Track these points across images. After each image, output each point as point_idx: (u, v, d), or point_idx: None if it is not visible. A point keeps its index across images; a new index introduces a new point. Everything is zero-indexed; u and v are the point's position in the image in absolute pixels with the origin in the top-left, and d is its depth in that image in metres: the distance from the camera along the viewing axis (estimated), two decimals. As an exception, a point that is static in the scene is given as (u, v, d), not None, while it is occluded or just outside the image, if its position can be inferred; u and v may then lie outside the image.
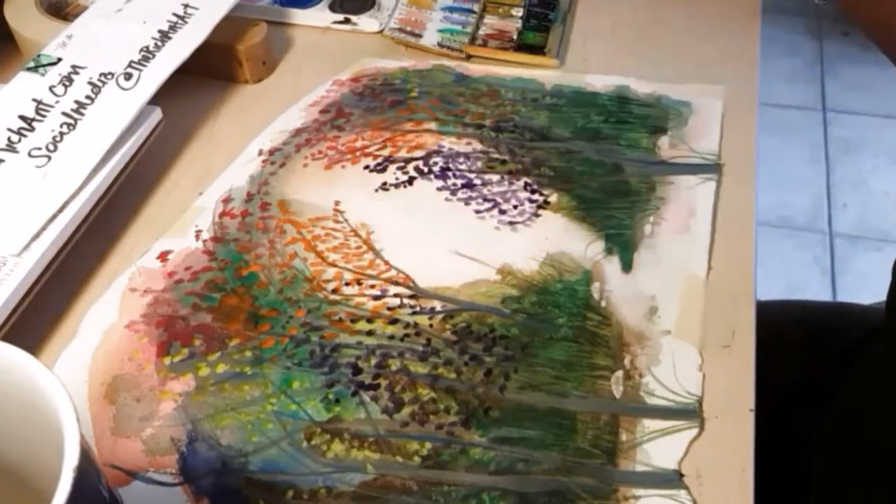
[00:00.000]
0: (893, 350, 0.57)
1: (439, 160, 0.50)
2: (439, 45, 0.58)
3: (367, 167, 0.50)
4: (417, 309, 0.43)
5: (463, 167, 0.50)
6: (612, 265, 0.45)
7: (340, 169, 0.50)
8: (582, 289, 0.43)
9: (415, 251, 0.45)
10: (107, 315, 0.43)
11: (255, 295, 0.43)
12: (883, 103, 1.71)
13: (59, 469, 0.22)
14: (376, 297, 0.43)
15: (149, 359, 0.41)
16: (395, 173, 0.50)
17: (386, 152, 0.51)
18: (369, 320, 0.42)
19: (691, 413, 0.38)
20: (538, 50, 0.57)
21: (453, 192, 0.48)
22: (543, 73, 0.56)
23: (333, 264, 0.45)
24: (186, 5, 0.53)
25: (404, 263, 0.45)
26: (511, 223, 0.47)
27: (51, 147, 0.45)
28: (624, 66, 0.55)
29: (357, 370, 0.40)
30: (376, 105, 0.54)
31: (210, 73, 0.55)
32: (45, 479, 0.26)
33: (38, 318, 0.42)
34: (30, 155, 0.44)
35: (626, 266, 0.44)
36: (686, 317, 0.42)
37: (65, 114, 0.46)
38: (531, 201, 0.48)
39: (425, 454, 0.37)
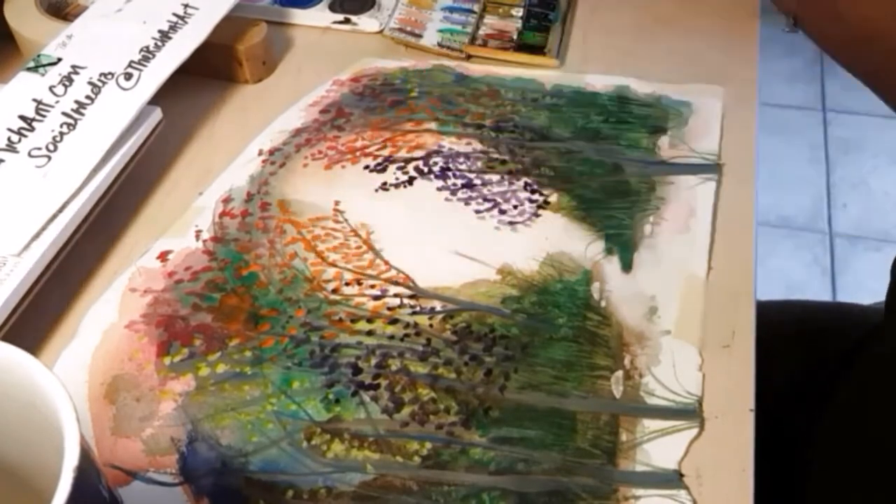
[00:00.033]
0: (893, 350, 0.57)
1: (439, 160, 0.50)
2: (439, 45, 0.58)
3: (367, 167, 0.50)
4: (417, 309, 0.43)
5: (463, 167, 0.50)
6: (612, 265, 0.45)
7: (340, 169, 0.50)
8: (582, 289, 0.43)
9: (415, 251, 0.45)
10: (107, 315, 0.43)
11: (255, 295, 0.43)
12: (883, 103, 1.70)
13: (59, 469, 0.22)
14: (376, 297, 0.43)
15: (149, 359, 0.41)
16: (395, 173, 0.50)
17: (386, 152, 0.51)
18: (369, 320, 0.42)
19: (691, 413, 0.38)
20: (538, 50, 0.57)
21: (453, 192, 0.48)
22: (543, 73, 0.56)
23: (333, 264, 0.45)
24: (186, 5, 0.53)
25: (404, 263, 0.45)
26: (511, 223, 0.47)
27: (51, 147, 0.45)
28: (624, 66, 0.55)
29: (357, 370, 0.40)
30: (376, 105, 0.54)
31: (210, 73, 0.55)
32: (45, 479, 0.26)
33: (38, 318, 0.42)
34: (30, 155, 0.44)
35: (626, 266, 0.44)
36: (686, 317, 0.42)
37: (65, 114, 0.46)
38: (531, 201, 0.48)
39: (425, 454, 0.37)
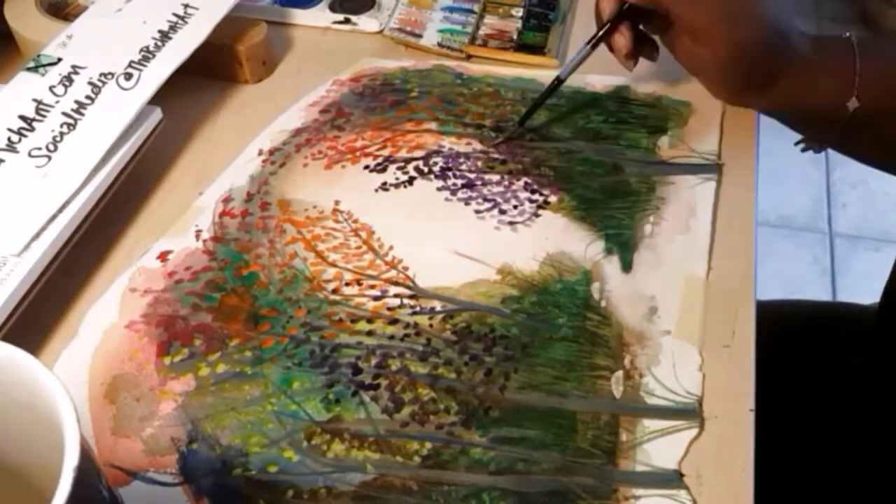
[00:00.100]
0: (888, 342, 0.57)
1: (439, 160, 0.50)
2: (439, 45, 0.58)
3: (367, 167, 0.50)
4: (417, 309, 0.43)
5: (463, 167, 0.50)
6: (612, 265, 0.45)
7: (340, 169, 0.50)
8: (582, 289, 0.43)
9: (415, 251, 0.45)
10: (107, 315, 0.43)
11: (255, 295, 0.43)
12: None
13: (59, 469, 0.22)
14: (376, 298, 0.43)
15: (149, 359, 0.41)
16: (395, 173, 0.50)
17: (386, 152, 0.51)
18: (369, 320, 0.42)
19: (691, 413, 0.38)
20: (538, 50, 0.57)
21: (453, 192, 0.48)
22: (543, 73, 0.56)
23: (333, 264, 0.45)
24: (186, 5, 0.53)
25: (404, 263, 0.45)
26: (511, 223, 0.47)
27: (51, 147, 0.45)
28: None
29: (357, 370, 0.40)
30: (376, 105, 0.54)
31: (210, 73, 0.55)
32: (45, 478, 0.26)
33: (38, 318, 0.42)
34: (30, 155, 0.44)
35: (626, 266, 0.44)
36: (686, 317, 0.42)
37: (65, 114, 0.46)
38: (531, 201, 0.48)
39: (425, 454, 0.37)
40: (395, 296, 0.43)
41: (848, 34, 0.47)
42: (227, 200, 0.48)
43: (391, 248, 0.46)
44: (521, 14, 0.60)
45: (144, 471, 0.37)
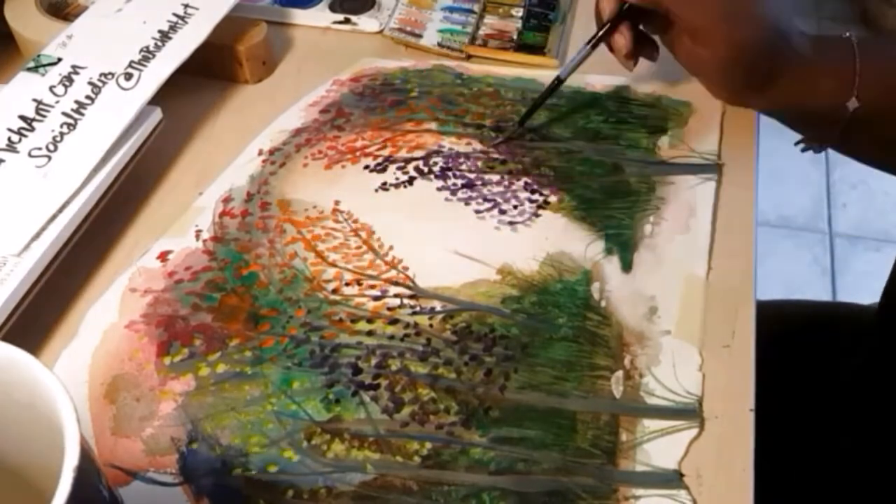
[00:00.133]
0: (888, 342, 0.57)
1: (439, 160, 0.50)
2: (439, 45, 0.58)
3: (367, 167, 0.50)
4: (417, 309, 0.43)
5: (463, 167, 0.50)
6: (612, 265, 0.45)
7: (340, 169, 0.50)
8: (582, 289, 0.43)
9: (415, 251, 0.45)
10: (107, 315, 0.43)
11: (255, 295, 0.43)
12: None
13: (59, 469, 0.22)
14: (376, 298, 0.43)
15: (149, 359, 0.41)
16: (395, 173, 0.50)
17: (386, 152, 0.51)
18: (369, 320, 0.42)
19: (691, 413, 0.38)
20: (538, 50, 0.57)
21: (453, 192, 0.48)
22: (543, 73, 0.56)
23: (333, 264, 0.45)
24: (186, 5, 0.53)
25: (404, 263, 0.45)
26: (511, 223, 0.47)
27: (51, 147, 0.45)
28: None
29: (357, 370, 0.40)
30: (376, 105, 0.54)
31: (210, 73, 0.55)
32: (45, 478, 0.26)
33: (38, 318, 0.42)
34: (30, 155, 0.44)
35: (626, 266, 0.44)
36: (686, 317, 0.42)
37: (65, 114, 0.46)
38: (531, 201, 0.48)
39: (425, 454, 0.37)
40: (395, 296, 0.43)
41: (848, 34, 0.47)
42: (227, 200, 0.48)
43: (391, 248, 0.46)
44: (521, 14, 0.60)
45: (144, 471, 0.37)
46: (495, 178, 0.49)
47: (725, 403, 0.39)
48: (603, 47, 0.49)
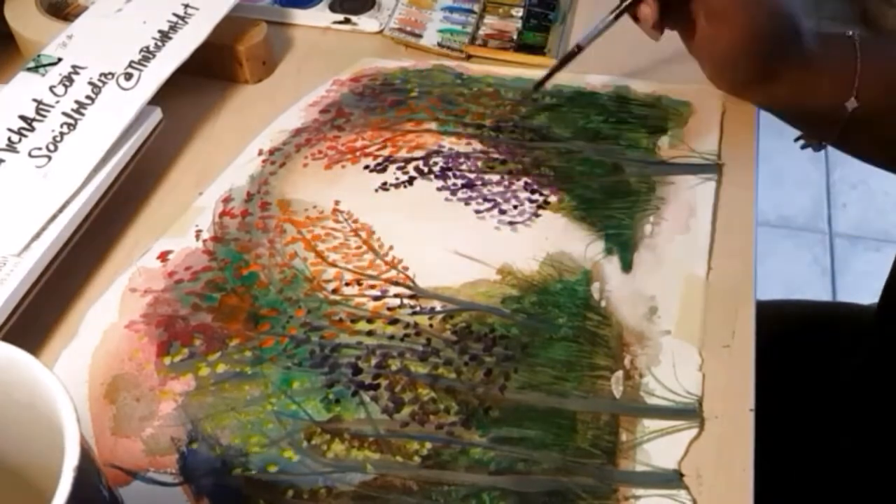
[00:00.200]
0: (888, 342, 0.57)
1: (439, 160, 0.50)
2: (439, 45, 0.58)
3: (367, 167, 0.50)
4: (417, 309, 0.43)
5: (463, 167, 0.50)
6: (612, 265, 0.45)
7: (340, 169, 0.50)
8: (582, 289, 0.43)
9: (415, 251, 0.45)
10: (107, 315, 0.43)
11: (255, 295, 0.43)
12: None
13: (59, 469, 0.22)
14: (376, 298, 0.43)
15: (149, 359, 0.41)
16: (395, 173, 0.50)
17: (386, 152, 0.51)
18: (369, 320, 0.42)
19: (691, 413, 0.38)
20: (538, 50, 0.57)
21: (453, 192, 0.48)
22: (543, 73, 0.56)
23: (333, 264, 0.45)
24: (186, 5, 0.53)
25: (404, 263, 0.45)
26: (511, 223, 0.47)
27: (51, 147, 0.45)
28: (624, 66, 0.55)
29: (357, 370, 0.40)
30: (376, 105, 0.54)
31: (210, 73, 0.55)
32: (45, 478, 0.26)
33: (38, 318, 0.42)
34: (30, 155, 0.44)
35: (626, 266, 0.44)
36: (686, 317, 0.42)
37: (65, 114, 0.46)
38: (531, 201, 0.48)
39: (425, 454, 0.37)
40: (395, 296, 0.43)
41: (851, 33, 0.47)
42: (227, 200, 0.48)
43: (391, 248, 0.46)
44: (521, 14, 0.60)
45: (144, 471, 0.37)
46: (495, 178, 0.49)
47: (725, 403, 0.39)
48: (605, 47, 0.49)
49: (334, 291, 0.43)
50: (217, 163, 0.51)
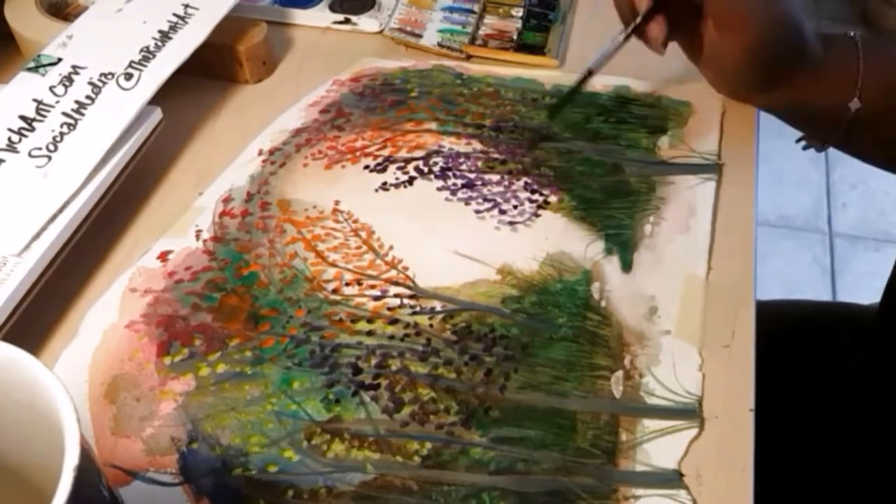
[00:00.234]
0: (888, 342, 0.57)
1: (439, 160, 0.50)
2: (439, 45, 0.58)
3: (367, 167, 0.50)
4: (417, 309, 0.43)
5: (463, 167, 0.50)
6: (612, 265, 0.45)
7: (340, 169, 0.50)
8: (582, 289, 0.43)
9: (415, 251, 0.45)
10: (107, 315, 0.43)
11: (255, 295, 0.43)
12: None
13: (59, 469, 0.22)
14: (376, 298, 0.43)
15: (149, 359, 0.41)
16: (395, 173, 0.50)
17: (386, 152, 0.51)
18: (369, 320, 0.42)
19: (691, 413, 0.38)
20: (538, 50, 0.57)
21: (453, 192, 0.48)
22: (543, 73, 0.56)
23: (333, 264, 0.45)
24: (186, 5, 0.53)
25: (404, 263, 0.45)
26: (511, 223, 0.47)
27: (51, 147, 0.45)
28: (624, 66, 0.55)
29: (357, 370, 0.40)
30: (376, 105, 0.54)
31: (210, 73, 0.55)
32: (45, 478, 0.26)
33: (38, 318, 0.42)
34: (30, 155, 0.45)
35: (626, 266, 0.44)
36: (686, 317, 0.42)
37: (65, 114, 0.46)
38: (531, 201, 0.48)
39: (425, 454, 0.37)
40: (396, 296, 0.43)
41: (852, 33, 0.47)
42: (227, 200, 0.48)
43: (391, 248, 0.46)
44: (521, 14, 0.60)
45: (144, 471, 0.37)
46: (495, 178, 0.49)
47: (725, 403, 0.39)
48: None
49: (334, 291, 0.43)
50: (217, 163, 0.51)
